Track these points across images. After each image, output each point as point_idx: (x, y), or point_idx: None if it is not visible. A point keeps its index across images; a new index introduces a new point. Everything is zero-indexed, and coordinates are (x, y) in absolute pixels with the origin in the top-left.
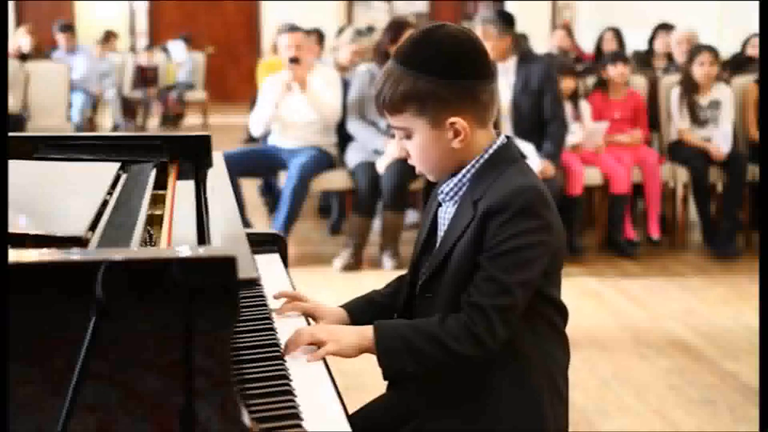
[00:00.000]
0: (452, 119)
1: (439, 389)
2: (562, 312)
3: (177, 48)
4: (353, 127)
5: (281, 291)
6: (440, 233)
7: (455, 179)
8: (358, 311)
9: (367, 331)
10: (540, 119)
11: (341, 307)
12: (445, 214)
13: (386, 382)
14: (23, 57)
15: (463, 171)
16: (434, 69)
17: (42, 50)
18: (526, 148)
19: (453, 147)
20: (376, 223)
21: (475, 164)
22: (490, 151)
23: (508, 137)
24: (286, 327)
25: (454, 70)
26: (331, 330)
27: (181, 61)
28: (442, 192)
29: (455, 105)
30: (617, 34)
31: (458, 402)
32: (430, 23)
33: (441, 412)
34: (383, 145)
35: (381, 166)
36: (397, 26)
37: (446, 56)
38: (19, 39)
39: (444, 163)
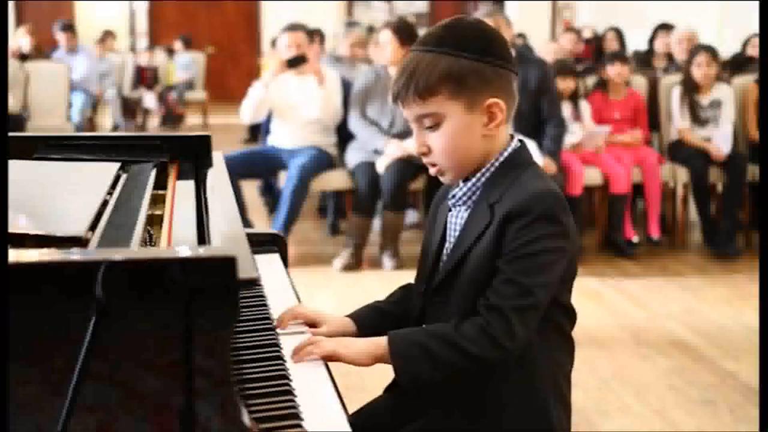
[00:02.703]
0: (491, 100)
1: (441, 390)
2: (571, 316)
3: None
4: (355, 125)
5: (282, 317)
6: (450, 239)
7: (468, 184)
8: (363, 319)
9: (380, 340)
10: (538, 119)
11: (347, 316)
12: (456, 219)
13: (386, 382)
14: (23, 57)
15: (477, 175)
16: (476, 48)
17: (42, 50)
18: (529, 145)
19: (484, 134)
20: (376, 223)
21: (490, 168)
22: (505, 154)
23: (521, 140)
24: (287, 330)
25: (495, 52)
26: (339, 339)
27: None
28: (453, 197)
29: (495, 86)
30: (618, 34)
31: (461, 403)
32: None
33: (444, 413)
34: (384, 145)
35: (381, 166)
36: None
37: (486, 38)
38: (19, 39)
39: (470, 154)
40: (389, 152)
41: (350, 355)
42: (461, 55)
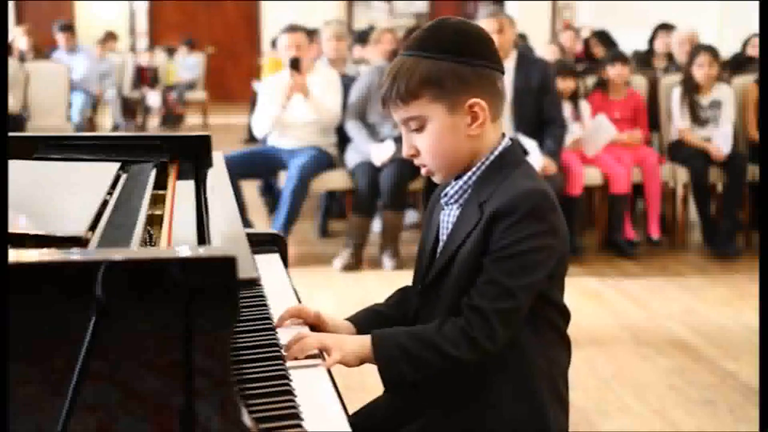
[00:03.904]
0: (472, 100)
1: (440, 390)
2: (565, 315)
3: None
4: (351, 129)
5: (283, 317)
6: (442, 237)
7: (459, 182)
8: (363, 322)
9: (366, 341)
10: (540, 120)
11: (346, 320)
12: (448, 217)
13: None
14: (22, 57)
15: (468, 174)
16: (455, 50)
17: (42, 50)
18: (529, 144)
19: (469, 134)
20: (376, 223)
21: (480, 166)
22: (496, 152)
23: (512, 139)
24: (287, 329)
25: (475, 52)
26: (337, 337)
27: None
28: (445, 195)
29: (476, 87)
30: (603, 36)
31: (460, 403)
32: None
33: (443, 413)
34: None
35: (378, 158)
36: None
37: (466, 39)
38: (18, 39)
39: (457, 154)
40: (375, 160)
41: (344, 357)
42: (440, 58)
